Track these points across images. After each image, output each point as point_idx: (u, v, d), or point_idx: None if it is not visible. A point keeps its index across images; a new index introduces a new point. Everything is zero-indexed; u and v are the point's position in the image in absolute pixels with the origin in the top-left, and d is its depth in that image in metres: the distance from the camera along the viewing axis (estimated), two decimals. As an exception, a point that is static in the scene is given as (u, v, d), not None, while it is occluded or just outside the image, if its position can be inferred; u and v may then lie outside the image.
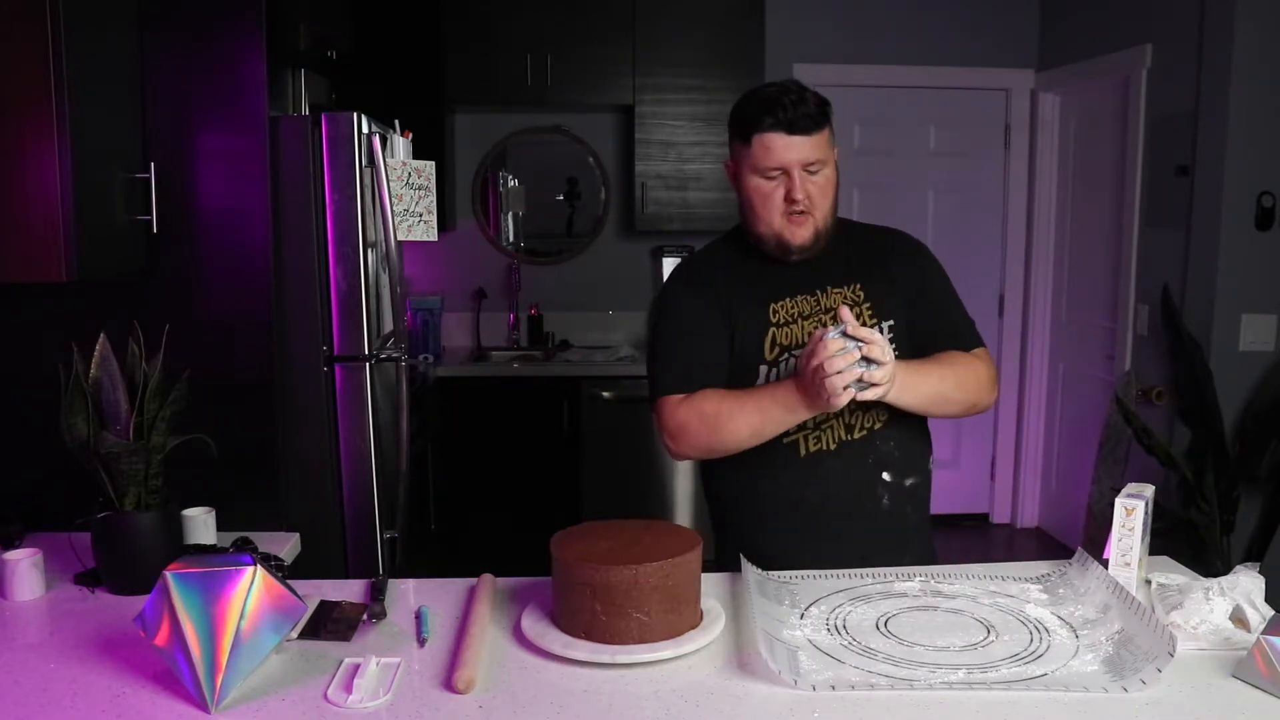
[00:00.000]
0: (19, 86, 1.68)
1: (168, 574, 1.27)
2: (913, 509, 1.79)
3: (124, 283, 2.03)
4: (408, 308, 3.35)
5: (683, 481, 4.27)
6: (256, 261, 2.13)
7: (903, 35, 4.64)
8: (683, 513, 4.30)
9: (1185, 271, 3.62)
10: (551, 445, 4.20)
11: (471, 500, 4.17)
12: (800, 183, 1.66)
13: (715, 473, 1.82)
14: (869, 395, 1.52)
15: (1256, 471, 3.31)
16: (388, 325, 2.64)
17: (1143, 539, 1.57)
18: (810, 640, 1.41)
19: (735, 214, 1.81)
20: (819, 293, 1.74)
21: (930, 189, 4.83)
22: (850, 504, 1.74)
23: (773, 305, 1.74)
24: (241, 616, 1.25)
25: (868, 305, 1.74)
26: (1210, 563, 3.21)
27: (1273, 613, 1.38)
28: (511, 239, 4.76)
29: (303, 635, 1.43)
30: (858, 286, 1.75)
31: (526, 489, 4.18)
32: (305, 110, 2.90)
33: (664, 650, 1.35)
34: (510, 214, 4.75)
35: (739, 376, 1.73)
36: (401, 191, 2.44)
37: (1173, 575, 1.60)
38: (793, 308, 1.74)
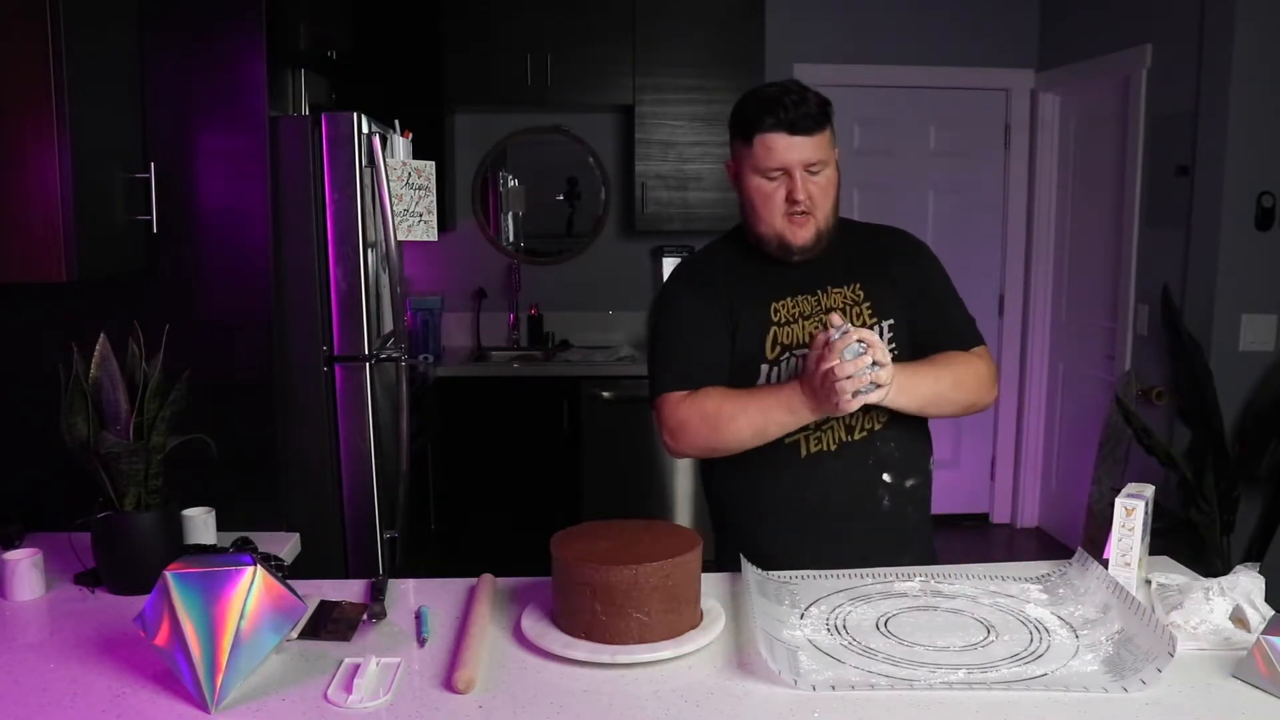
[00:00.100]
0: (19, 86, 1.68)
1: (168, 574, 1.27)
2: (913, 509, 1.79)
3: (124, 283, 2.03)
4: (408, 308, 3.35)
5: (683, 481, 4.27)
6: (256, 261, 2.13)
7: (903, 35, 4.64)
8: (683, 513, 4.30)
9: (1185, 271, 3.62)
10: (551, 445, 4.20)
11: (471, 500, 4.17)
12: (802, 183, 1.66)
13: (716, 473, 1.82)
14: (872, 398, 1.52)
15: (1256, 471, 3.31)
16: (388, 325, 2.64)
17: (1143, 539, 1.57)
18: (810, 640, 1.41)
19: (735, 214, 1.81)
20: (820, 293, 1.74)
21: (930, 189, 4.83)
22: (851, 505, 1.74)
23: (774, 305, 1.74)
24: (241, 616, 1.26)
25: (868, 305, 1.74)
26: (1210, 563, 3.21)
27: (1273, 613, 1.38)
28: (511, 239, 4.76)
29: (303, 635, 1.43)
30: (858, 286, 1.75)
31: (526, 489, 4.18)
32: (305, 110, 2.90)
33: (664, 650, 1.35)
34: (510, 214, 4.75)
35: (740, 376, 1.73)
36: (401, 191, 2.44)
37: (1173, 575, 1.60)
38: (794, 307, 1.74)
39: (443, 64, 4.19)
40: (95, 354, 1.59)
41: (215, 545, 1.81)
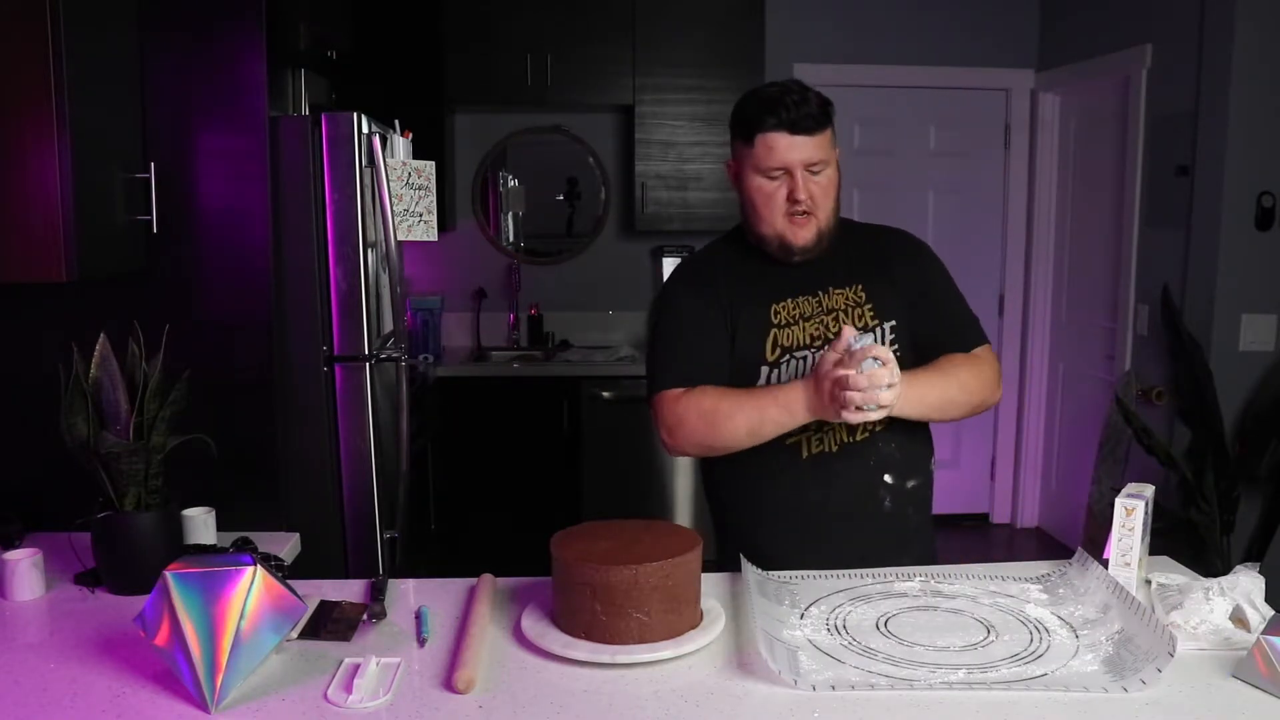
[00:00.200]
0: (19, 86, 1.68)
1: (168, 574, 1.27)
2: (914, 510, 1.79)
3: (124, 283, 2.03)
4: (408, 308, 3.35)
5: (683, 481, 4.27)
6: (256, 261, 2.13)
7: (903, 35, 4.64)
8: (683, 513, 4.30)
9: (1185, 271, 3.62)
10: (551, 445, 4.20)
11: (471, 500, 4.17)
12: (803, 183, 1.65)
13: (716, 473, 1.82)
14: (871, 417, 1.52)
15: (1256, 471, 3.31)
16: (388, 325, 2.64)
17: (1143, 539, 1.57)
18: (810, 640, 1.41)
19: (735, 214, 1.81)
20: (820, 294, 1.74)
21: (930, 189, 4.83)
22: (851, 506, 1.74)
23: (774, 306, 1.73)
24: (241, 616, 1.26)
25: (869, 306, 1.74)
26: (1210, 563, 3.21)
27: (1273, 613, 1.38)
28: (511, 239, 4.76)
29: (303, 635, 1.43)
30: (859, 288, 1.75)
31: (526, 489, 4.18)
32: (305, 110, 2.90)
33: (664, 650, 1.35)
34: (510, 214, 4.75)
35: (740, 377, 1.72)
36: (401, 191, 2.44)
37: (1173, 575, 1.60)
38: (794, 309, 1.73)
39: (443, 64, 4.19)
40: (95, 354, 1.59)
41: (215, 545, 1.82)
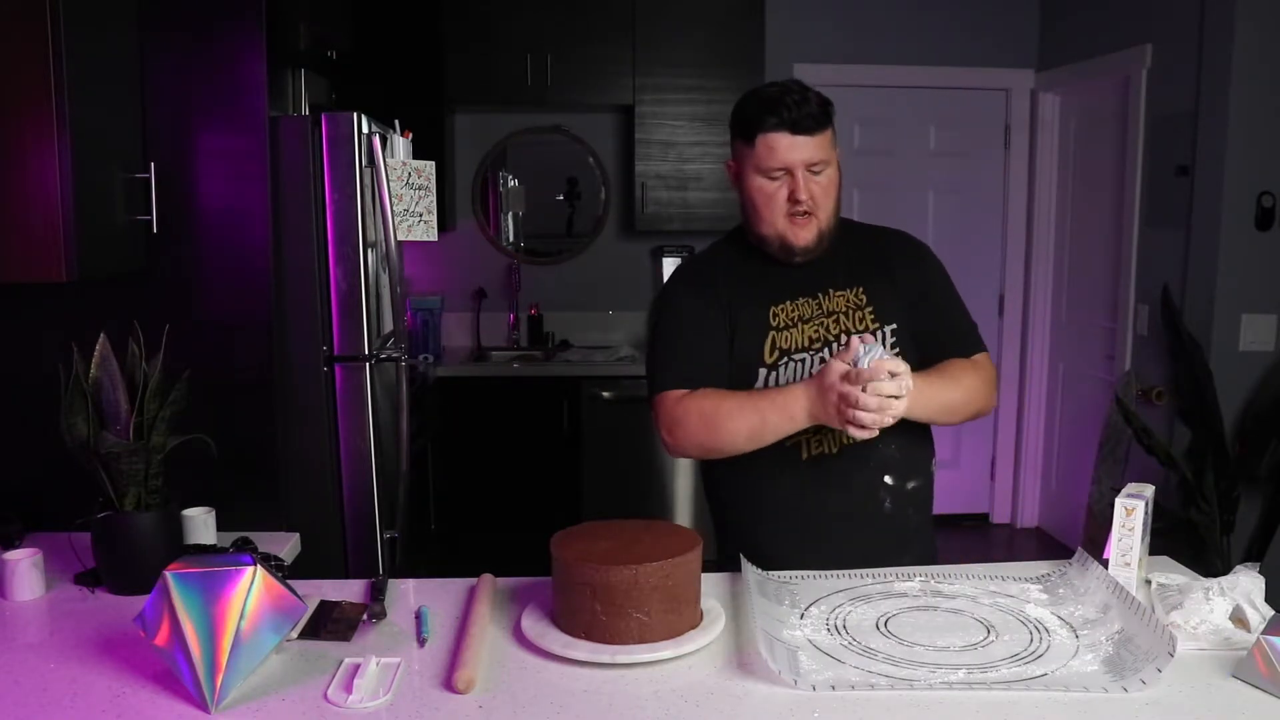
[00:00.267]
0: (19, 86, 1.68)
1: (168, 574, 1.27)
2: (914, 511, 1.79)
3: (124, 283, 2.03)
4: (408, 308, 3.35)
5: (683, 481, 4.27)
6: (256, 261, 2.13)
7: (903, 35, 4.64)
8: (683, 513, 4.30)
9: (1185, 271, 3.62)
10: (551, 445, 4.20)
11: (471, 500, 4.17)
12: (804, 183, 1.65)
13: (716, 474, 1.81)
14: (864, 435, 1.51)
15: (1256, 471, 3.31)
16: (388, 325, 2.64)
17: (1143, 539, 1.57)
18: (810, 640, 1.41)
19: (735, 214, 1.81)
20: (821, 295, 1.74)
21: (930, 189, 4.83)
22: (852, 507, 1.73)
23: (773, 308, 1.73)
24: (241, 616, 1.26)
25: (870, 309, 1.73)
26: (1210, 563, 3.21)
27: (1273, 613, 1.38)
28: (511, 239, 4.76)
29: (303, 635, 1.43)
30: (860, 290, 1.74)
31: (526, 489, 4.18)
32: (305, 110, 2.90)
33: (664, 650, 1.35)
34: (510, 214, 4.75)
35: (738, 379, 1.72)
36: (401, 191, 2.44)
37: (1173, 575, 1.60)
38: (793, 311, 1.73)
39: (443, 64, 4.19)
40: (95, 354, 1.59)
41: (215, 545, 1.81)
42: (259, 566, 1.29)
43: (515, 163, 4.72)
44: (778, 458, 1.69)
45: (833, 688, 1.26)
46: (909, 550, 1.76)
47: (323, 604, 1.55)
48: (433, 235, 2.48)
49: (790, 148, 1.63)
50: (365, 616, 1.49)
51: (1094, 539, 3.70)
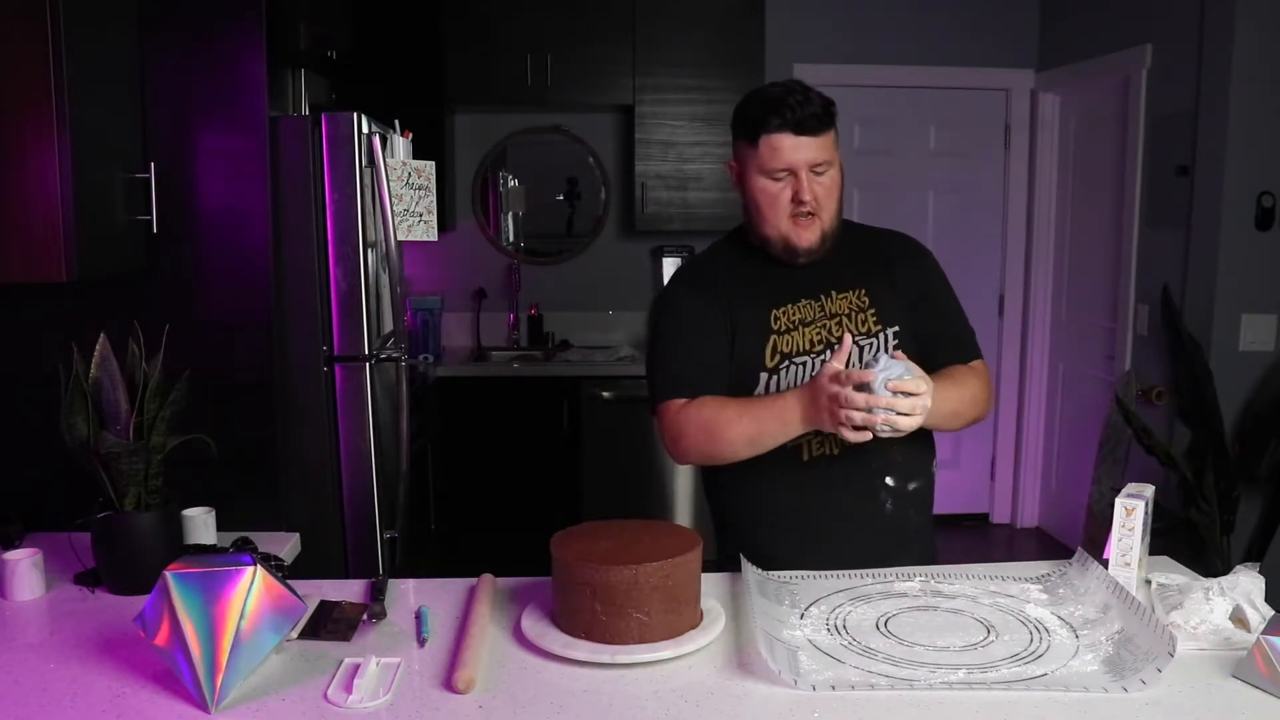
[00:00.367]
0: (19, 86, 1.68)
1: (168, 574, 1.27)
2: (915, 512, 1.78)
3: (124, 283, 2.03)
4: (408, 308, 3.35)
5: (683, 481, 4.27)
6: (256, 261, 2.13)
7: (903, 35, 4.63)
8: (683, 513, 4.30)
9: (1185, 271, 3.62)
10: (551, 445, 4.20)
11: (471, 500, 4.17)
12: (807, 184, 1.64)
13: (717, 476, 1.81)
14: (865, 436, 1.51)
15: (1256, 471, 3.31)
16: (388, 325, 2.64)
17: (1143, 539, 1.57)
18: (810, 640, 1.41)
19: (736, 214, 1.80)
20: (823, 297, 1.73)
21: (930, 189, 4.83)
22: (852, 508, 1.73)
23: (774, 311, 1.72)
24: (241, 616, 1.26)
25: (872, 311, 1.73)
26: (1210, 563, 3.21)
27: (1273, 613, 1.38)
28: (511, 239, 4.76)
29: (303, 635, 1.43)
30: (862, 292, 1.74)
31: (526, 489, 4.18)
32: (305, 110, 2.90)
33: (664, 650, 1.35)
34: (510, 214, 4.75)
35: (739, 383, 1.71)
36: (401, 191, 2.44)
37: (1173, 575, 1.60)
38: (795, 314, 1.72)
39: (443, 64, 4.19)
40: (95, 354, 1.59)
41: (215, 545, 1.81)
42: (259, 566, 1.29)
43: (515, 163, 4.72)
44: (779, 460, 1.68)
45: (833, 688, 1.26)
46: (909, 551, 1.76)
47: (323, 604, 1.55)
48: (433, 235, 2.48)
49: (794, 148, 1.62)
50: (365, 616, 1.49)
51: (1094, 539, 3.70)
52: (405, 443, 2.59)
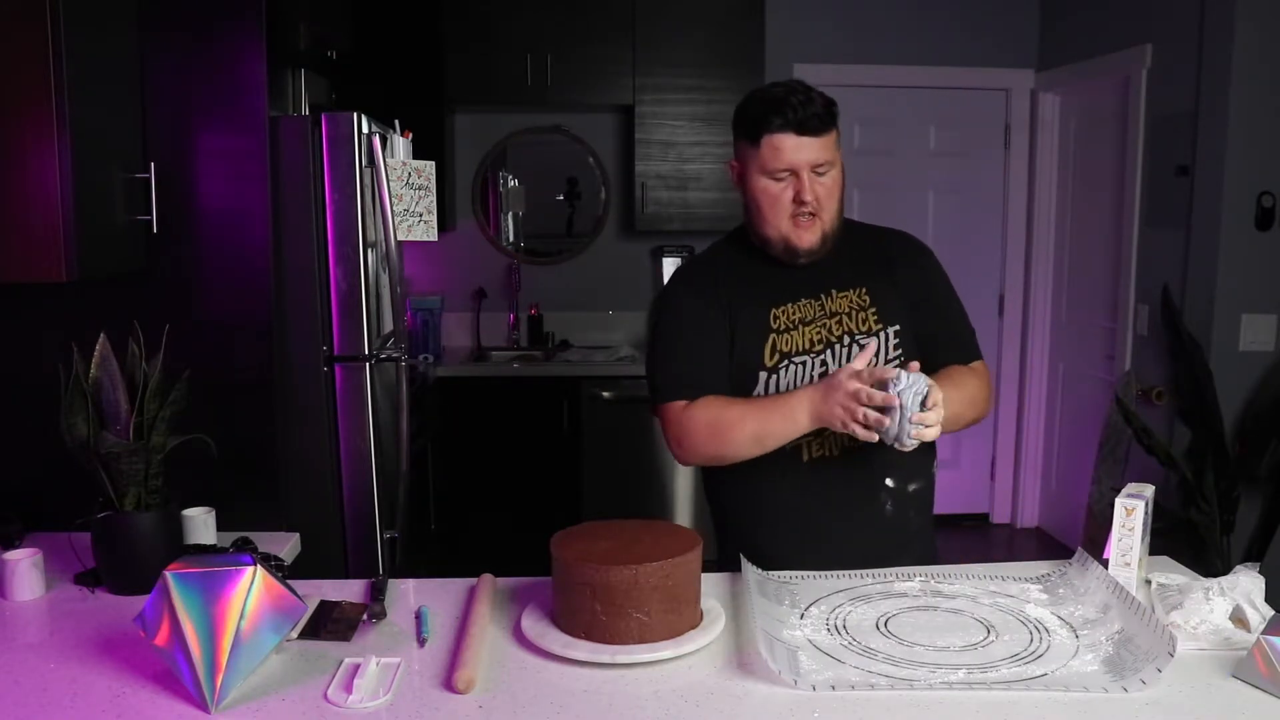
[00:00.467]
0: (19, 86, 1.68)
1: (168, 574, 1.27)
2: (915, 513, 1.78)
3: (124, 283, 2.03)
4: (408, 308, 3.35)
5: (683, 481, 4.27)
6: (256, 261, 2.13)
7: (903, 35, 4.64)
8: (683, 513, 4.30)
9: (1185, 271, 3.62)
10: (551, 445, 4.20)
11: (471, 500, 4.17)
12: (809, 184, 1.64)
13: (717, 476, 1.81)
14: (873, 436, 1.52)
15: (1256, 471, 3.31)
16: (388, 325, 2.64)
17: (1143, 539, 1.57)
18: (810, 640, 1.41)
19: (736, 214, 1.80)
20: (823, 296, 1.73)
21: (930, 189, 4.83)
22: (852, 510, 1.73)
23: (774, 310, 1.72)
24: (241, 616, 1.26)
25: (873, 310, 1.73)
26: (1210, 563, 3.21)
27: (1273, 613, 1.38)
28: (511, 239, 4.76)
29: (303, 635, 1.43)
30: (863, 291, 1.74)
31: (526, 489, 4.18)
32: (305, 110, 2.90)
33: (664, 650, 1.35)
34: (510, 214, 4.75)
35: (738, 382, 1.71)
36: (401, 191, 2.44)
37: (1173, 575, 1.60)
38: (795, 313, 1.72)
39: (443, 64, 4.19)
40: (95, 354, 1.59)
41: (215, 545, 1.81)
42: (259, 566, 1.29)
43: (515, 163, 4.72)
44: (779, 461, 1.69)
45: (833, 688, 1.26)
46: (909, 551, 1.75)
47: (323, 604, 1.55)
48: (433, 235, 2.48)
49: (796, 148, 1.62)
50: (365, 616, 1.49)
51: (1094, 539, 3.70)
52: (405, 443, 2.59)
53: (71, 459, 1.61)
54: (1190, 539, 3.28)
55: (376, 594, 1.58)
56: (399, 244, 2.45)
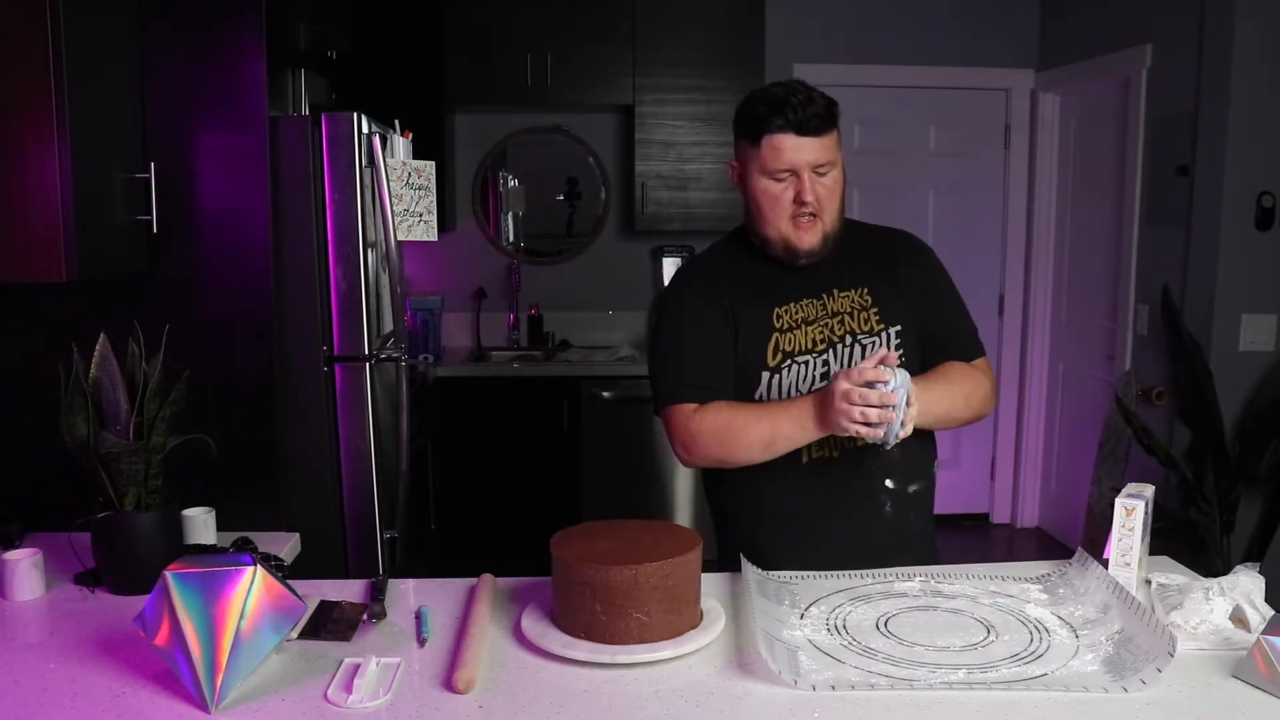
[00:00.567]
0: (19, 86, 1.68)
1: (168, 574, 1.27)
2: (915, 514, 1.78)
3: (124, 283, 2.03)
4: (408, 308, 3.35)
5: (683, 481, 4.27)
6: (256, 261, 2.13)
7: (903, 35, 4.64)
8: (683, 513, 4.30)
9: (1185, 271, 3.62)
10: (551, 445, 4.20)
11: (471, 500, 4.17)
12: (810, 185, 1.64)
13: (717, 477, 1.81)
14: (877, 435, 1.52)
15: (1256, 471, 3.31)
16: (388, 325, 2.64)
17: (1143, 539, 1.57)
18: (810, 640, 1.41)
19: (736, 214, 1.80)
20: (825, 296, 1.73)
21: (930, 189, 4.83)
22: (852, 510, 1.73)
23: (776, 310, 1.72)
24: (241, 616, 1.26)
25: (875, 310, 1.73)
26: (1210, 563, 3.21)
27: (1273, 613, 1.38)
28: (511, 239, 4.76)
29: (303, 635, 1.43)
30: (865, 290, 1.74)
31: (526, 489, 4.18)
32: (305, 110, 2.90)
33: (664, 650, 1.35)
34: (510, 214, 4.75)
35: (740, 383, 1.71)
36: (401, 191, 2.44)
37: (1173, 575, 1.60)
38: (797, 313, 1.72)
39: (443, 64, 4.19)
40: (95, 354, 1.59)
41: (215, 545, 1.81)
42: (259, 566, 1.29)
43: (515, 163, 4.72)
44: (779, 462, 1.68)
45: (833, 688, 1.26)
46: (909, 552, 1.75)
47: (323, 604, 1.55)
48: (433, 235, 2.48)
49: (796, 149, 1.62)
50: (365, 616, 1.49)
51: (1094, 539, 3.70)
52: (405, 443, 2.59)
53: (71, 459, 1.61)
54: (1190, 539, 3.28)
55: (376, 594, 1.58)
56: (399, 244, 2.45)
